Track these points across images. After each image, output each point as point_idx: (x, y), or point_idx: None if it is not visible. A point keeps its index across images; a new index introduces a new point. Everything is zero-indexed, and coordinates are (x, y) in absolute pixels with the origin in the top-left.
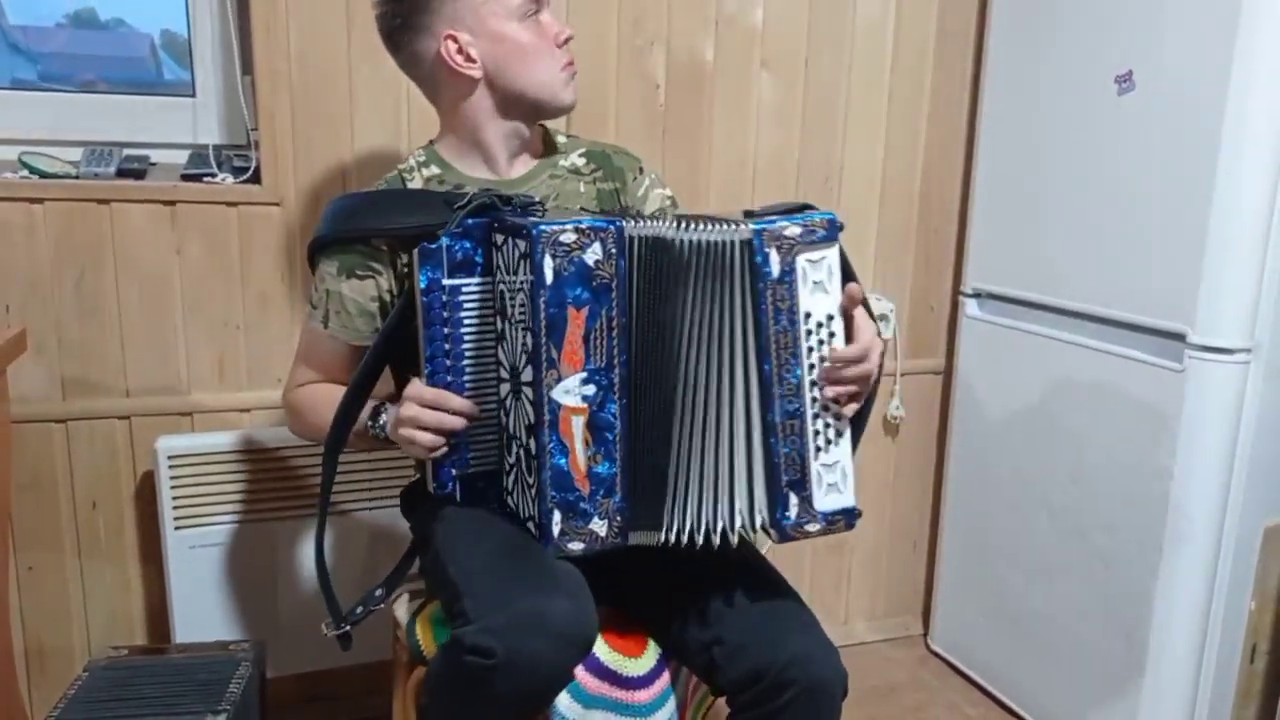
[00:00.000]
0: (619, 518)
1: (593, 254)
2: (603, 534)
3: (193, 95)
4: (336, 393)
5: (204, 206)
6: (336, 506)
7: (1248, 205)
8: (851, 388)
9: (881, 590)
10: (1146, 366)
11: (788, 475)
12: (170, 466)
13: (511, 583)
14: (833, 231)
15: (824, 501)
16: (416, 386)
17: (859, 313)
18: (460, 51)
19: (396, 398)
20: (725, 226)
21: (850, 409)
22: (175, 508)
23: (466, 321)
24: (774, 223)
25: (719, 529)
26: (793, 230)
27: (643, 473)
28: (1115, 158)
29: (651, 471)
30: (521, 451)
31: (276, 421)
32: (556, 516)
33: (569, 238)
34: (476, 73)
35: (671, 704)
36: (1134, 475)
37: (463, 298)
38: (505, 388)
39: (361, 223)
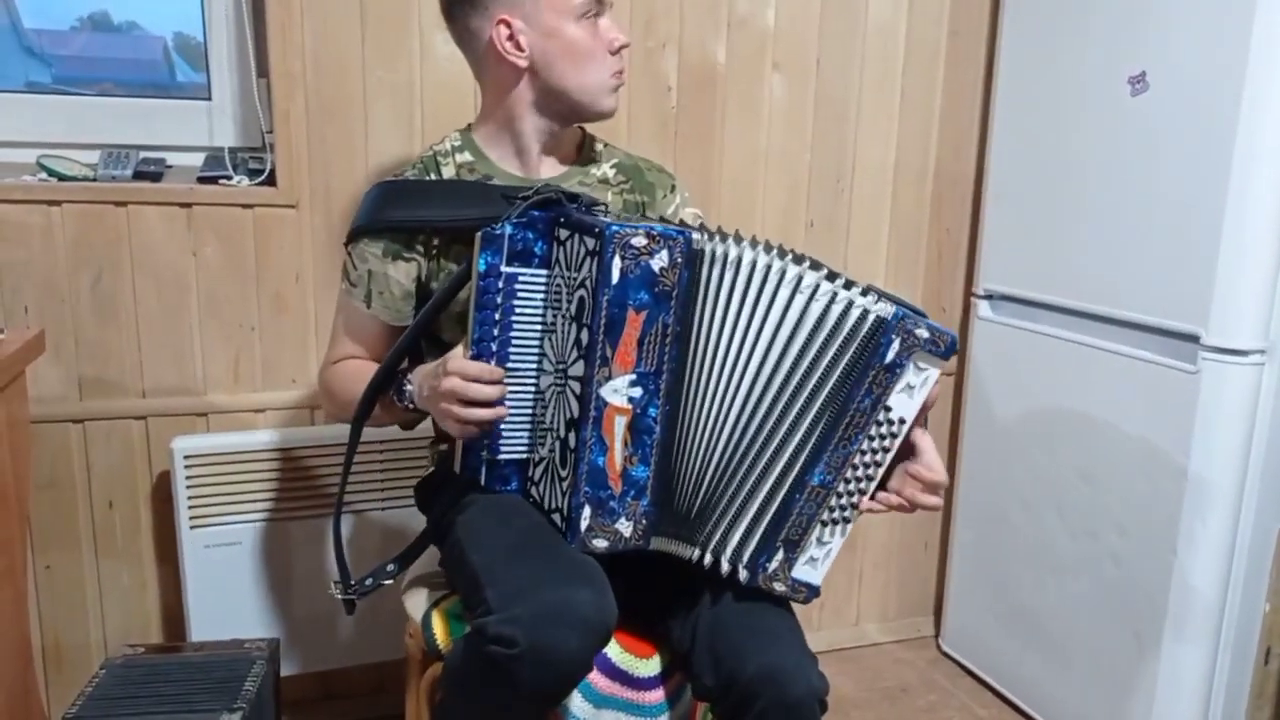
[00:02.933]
0: (644, 521)
1: (659, 261)
2: (627, 535)
3: (208, 98)
4: (367, 369)
5: (220, 209)
6: (351, 506)
7: (1262, 206)
8: (898, 500)
9: (893, 591)
10: (1160, 368)
11: (788, 533)
12: (186, 466)
13: (534, 573)
14: (949, 352)
15: (800, 570)
16: (460, 361)
17: (932, 445)
18: (511, 38)
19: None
20: (853, 291)
21: (864, 503)
22: (191, 507)
23: (518, 310)
24: (911, 316)
25: (705, 546)
26: (922, 333)
27: (674, 481)
28: (1129, 159)
29: (683, 482)
30: (557, 444)
31: (292, 422)
32: (586, 512)
33: (640, 241)
34: (523, 62)
35: (681, 705)
36: (1147, 477)
37: (518, 286)
38: (547, 380)
39: (416, 212)
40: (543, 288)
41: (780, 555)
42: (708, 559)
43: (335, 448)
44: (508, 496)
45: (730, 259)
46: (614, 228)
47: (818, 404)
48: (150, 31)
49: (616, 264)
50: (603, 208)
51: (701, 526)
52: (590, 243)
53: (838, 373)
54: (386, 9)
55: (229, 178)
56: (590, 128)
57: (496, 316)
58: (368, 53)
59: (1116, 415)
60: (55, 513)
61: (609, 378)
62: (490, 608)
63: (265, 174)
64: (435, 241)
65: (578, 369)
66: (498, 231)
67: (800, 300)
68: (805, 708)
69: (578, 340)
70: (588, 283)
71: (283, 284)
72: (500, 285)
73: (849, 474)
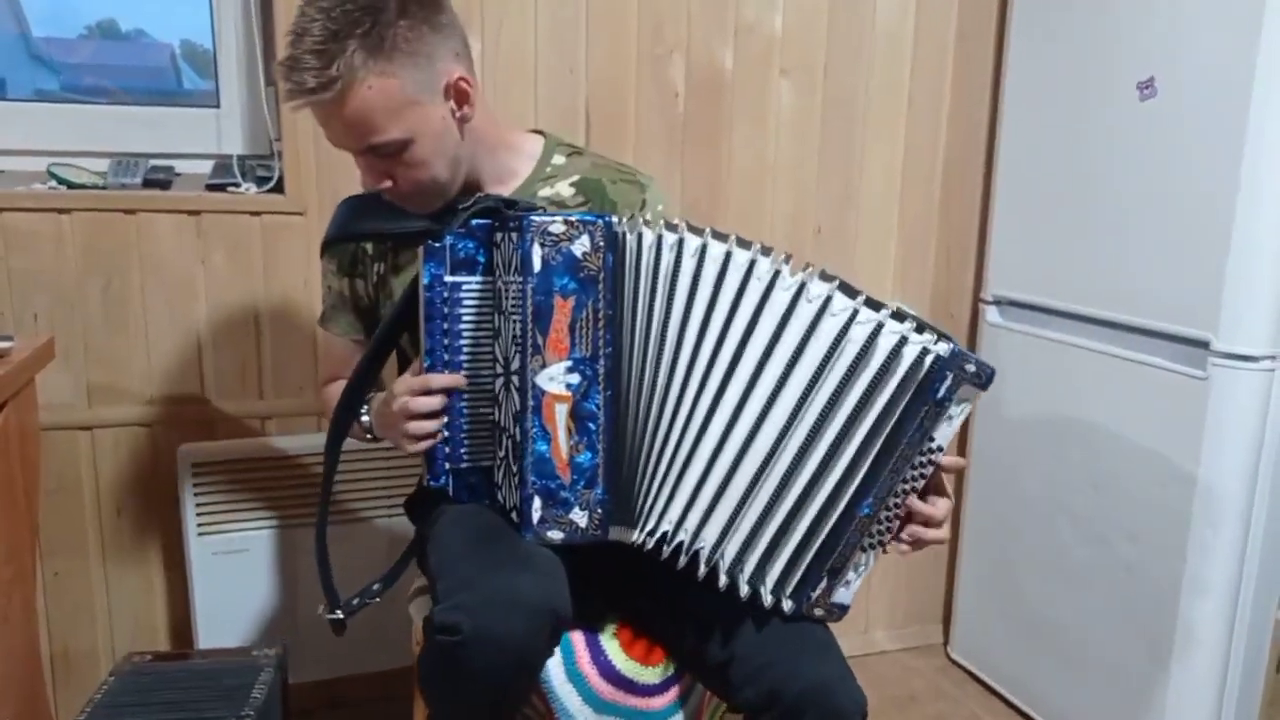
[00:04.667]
0: (599, 510)
1: (580, 246)
2: (583, 525)
3: (217, 106)
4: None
5: (228, 216)
6: (355, 513)
7: (1271, 211)
8: (907, 544)
9: (902, 598)
10: (1169, 374)
11: (834, 561)
12: (194, 473)
13: (482, 564)
14: (988, 383)
15: (837, 594)
16: (401, 380)
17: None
18: None
19: None
20: (888, 315)
21: (898, 525)
22: (198, 514)
23: (465, 318)
24: (960, 351)
25: (736, 577)
26: (971, 368)
27: (627, 467)
28: (1137, 164)
29: (639, 469)
30: (509, 442)
31: (299, 429)
32: (537, 503)
33: (558, 228)
34: None
35: (685, 712)
36: (1157, 483)
37: (463, 294)
38: (499, 382)
39: (366, 224)
40: (487, 294)
41: (824, 584)
42: (744, 589)
43: (342, 454)
44: (472, 505)
45: (664, 242)
46: (531, 217)
47: (863, 436)
48: (158, 39)
49: (537, 251)
50: (541, 210)
51: (651, 508)
52: (515, 238)
53: (886, 408)
54: None
55: (237, 185)
56: (583, 132)
57: (445, 326)
58: None
59: (1126, 421)
60: (64, 520)
61: (543, 365)
62: (438, 599)
63: (273, 182)
64: (380, 255)
65: (517, 362)
66: (439, 244)
67: (808, 308)
68: None
69: (515, 334)
70: (516, 276)
71: (290, 291)
72: (446, 295)
73: (890, 501)
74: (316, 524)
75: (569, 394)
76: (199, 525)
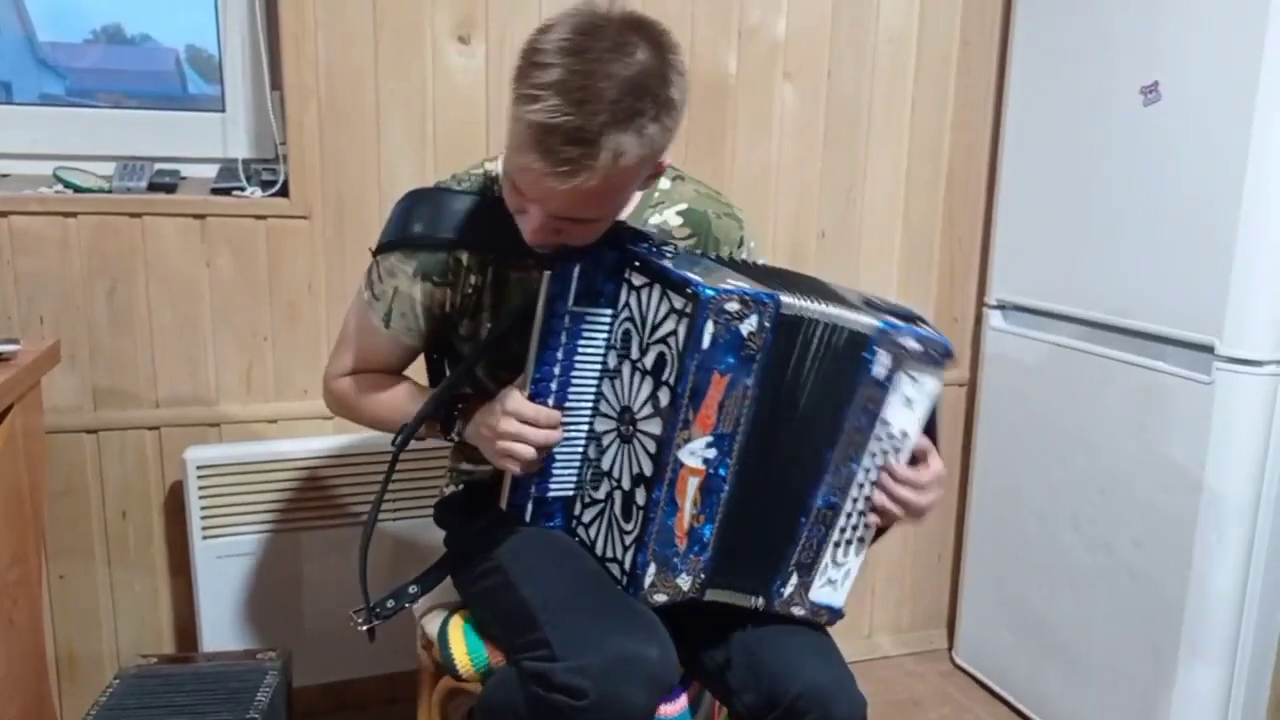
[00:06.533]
0: (702, 575)
1: (748, 325)
2: (686, 588)
3: (222, 110)
4: (392, 391)
5: (233, 219)
6: (360, 515)
7: (1276, 215)
8: (894, 507)
9: (906, 603)
10: (1174, 379)
11: (800, 556)
12: (199, 477)
13: (601, 622)
14: (943, 360)
15: (818, 592)
16: (519, 402)
17: (933, 451)
18: None
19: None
20: (846, 308)
21: (874, 519)
22: (203, 517)
23: (581, 350)
24: (898, 327)
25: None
26: (912, 344)
27: (732, 534)
28: (1141, 169)
29: (740, 534)
30: (618, 494)
31: (304, 432)
32: (652, 569)
33: (733, 307)
34: None
35: (697, 718)
36: (1162, 488)
37: (583, 326)
38: (607, 423)
39: (459, 231)
40: (606, 328)
41: (795, 579)
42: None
43: (347, 458)
44: (557, 535)
45: (816, 319)
46: (708, 291)
47: (807, 427)
48: (163, 44)
49: (709, 329)
50: (671, 248)
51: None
52: (678, 301)
53: (817, 391)
54: (400, 21)
55: (242, 189)
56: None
57: (559, 356)
58: (380, 64)
59: (1131, 427)
60: (69, 523)
61: (688, 440)
62: (555, 653)
63: (278, 185)
64: (479, 268)
65: (652, 425)
66: (564, 270)
67: (821, 335)
68: None
69: (653, 397)
70: (671, 341)
71: (295, 294)
72: (566, 325)
73: (855, 493)
74: (365, 528)
75: (703, 468)
76: (204, 528)
